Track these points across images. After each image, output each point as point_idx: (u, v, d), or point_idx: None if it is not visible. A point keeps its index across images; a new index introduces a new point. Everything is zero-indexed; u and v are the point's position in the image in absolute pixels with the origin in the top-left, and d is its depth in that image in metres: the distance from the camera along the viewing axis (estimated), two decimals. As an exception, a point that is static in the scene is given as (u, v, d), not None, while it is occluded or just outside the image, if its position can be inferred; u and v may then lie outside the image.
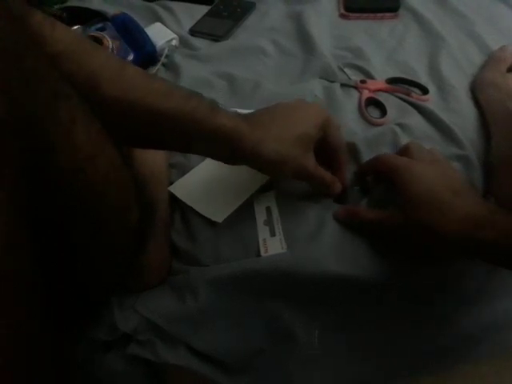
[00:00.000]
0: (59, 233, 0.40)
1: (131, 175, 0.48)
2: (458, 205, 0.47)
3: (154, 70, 0.82)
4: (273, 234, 0.55)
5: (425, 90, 0.72)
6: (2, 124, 0.30)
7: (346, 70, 0.77)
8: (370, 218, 0.53)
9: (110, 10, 0.91)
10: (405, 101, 0.71)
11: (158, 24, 0.89)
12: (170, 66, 0.83)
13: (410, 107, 0.70)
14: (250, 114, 0.55)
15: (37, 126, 0.34)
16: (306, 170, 0.53)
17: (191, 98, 0.50)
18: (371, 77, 0.75)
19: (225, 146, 0.51)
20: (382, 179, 0.57)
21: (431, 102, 0.70)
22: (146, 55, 0.83)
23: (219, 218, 0.57)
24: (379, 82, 0.74)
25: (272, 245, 0.54)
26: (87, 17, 0.88)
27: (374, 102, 0.71)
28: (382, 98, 0.71)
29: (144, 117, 0.48)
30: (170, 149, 0.59)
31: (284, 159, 0.52)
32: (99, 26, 0.84)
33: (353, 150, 0.62)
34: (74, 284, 0.45)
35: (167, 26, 0.90)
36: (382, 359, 0.53)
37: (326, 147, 0.56)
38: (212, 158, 0.56)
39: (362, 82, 0.73)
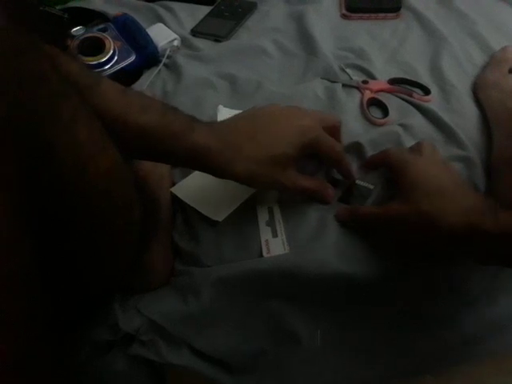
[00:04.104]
0: (61, 232, 0.40)
1: (132, 172, 0.49)
2: (462, 196, 0.48)
3: (155, 70, 0.82)
4: (275, 234, 0.55)
5: (426, 91, 0.72)
6: (2, 124, 0.30)
7: (347, 70, 0.77)
8: (370, 212, 0.53)
9: (112, 10, 0.91)
10: (407, 101, 0.71)
11: (160, 24, 0.89)
12: (172, 67, 0.83)
13: (411, 108, 0.70)
14: (227, 124, 0.54)
15: (37, 126, 0.34)
16: (281, 186, 0.54)
17: (167, 112, 0.51)
18: (373, 77, 0.75)
19: (195, 162, 0.52)
20: (386, 173, 0.57)
21: (433, 102, 0.70)
22: (148, 56, 0.83)
23: (219, 217, 0.57)
24: (381, 83, 0.74)
25: (274, 246, 0.55)
26: (89, 17, 0.88)
27: (375, 103, 0.71)
28: (384, 98, 0.71)
29: (120, 130, 0.48)
30: (151, 160, 0.59)
31: (254, 178, 0.52)
32: (101, 26, 0.84)
33: (356, 149, 0.63)
34: (76, 284, 0.45)
35: (169, 27, 0.89)
36: (385, 359, 0.53)
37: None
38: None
39: (364, 82, 0.73)
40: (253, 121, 0.54)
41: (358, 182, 0.59)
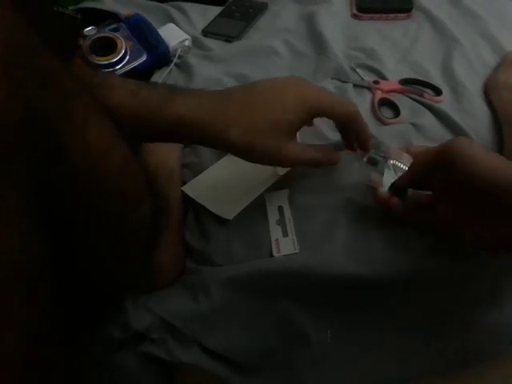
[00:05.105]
0: (73, 230, 0.40)
1: (142, 168, 0.49)
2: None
3: (166, 70, 0.83)
4: (285, 234, 0.56)
5: (438, 91, 0.71)
6: (15, 125, 0.30)
7: (358, 70, 0.77)
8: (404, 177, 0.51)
9: (124, 11, 0.91)
10: (418, 101, 0.71)
11: (171, 25, 0.90)
12: (183, 67, 0.83)
13: (423, 108, 0.70)
14: (221, 93, 0.51)
15: (50, 126, 0.35)
16: (283, 159, 0.51)
17: (140, 89, 0.49)
18: (384, 77, 0.75)
19: (185, 134, 0.50)
20: None
21: (444, 102, 0.70)
22: (159, 56, 0.83)
23: (229, 215, 0.58)
24: (392, 83, 0.74)
25: (284, 245, 0.55)
26: (101, 18, 0.89)
27: (387, 103, 0.71)
28: (395, 98, 0.71)
29: None
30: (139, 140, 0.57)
31: (253, 149, 0.49)
32: (113, 26, 0.85)
33: None
34: (87, 282, 0.45)
35: (180, 27, 0.90)
36: (395, 360, 0.53)
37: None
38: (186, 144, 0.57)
39: (375, 82, 0.73)
40: (249, 89, 0.51)
41: (393, 162, 0.56)
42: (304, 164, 0.54)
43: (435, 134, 0.64)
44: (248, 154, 0.51)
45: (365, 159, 0.57)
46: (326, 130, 0.65)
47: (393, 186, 0.53)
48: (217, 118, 0.48)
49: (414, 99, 0.72)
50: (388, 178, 0.54)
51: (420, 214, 0.51)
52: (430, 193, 0.51)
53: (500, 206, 0.42)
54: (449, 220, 0.48)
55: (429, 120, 0.67)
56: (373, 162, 0.56)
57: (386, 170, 0.55)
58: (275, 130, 0.49)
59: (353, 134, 0.56)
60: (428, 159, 0.48)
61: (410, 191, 0.53)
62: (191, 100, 0.49)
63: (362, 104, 0.71)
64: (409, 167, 0.52)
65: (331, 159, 0.55)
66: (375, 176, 0.55)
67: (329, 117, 0.53)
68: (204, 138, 0.50)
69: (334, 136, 0.63)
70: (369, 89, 0.73)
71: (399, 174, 0.54)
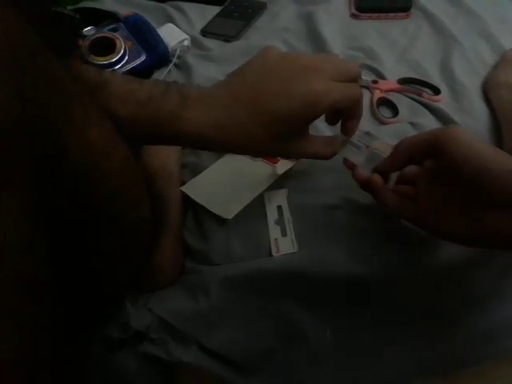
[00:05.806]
0: (74, 230, 0.40)
1: (142, 169, 0.49)
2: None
3: (166, 70, 0.83)
4: (284, 233, 0.56)
5: (436, 90, 0.71)
6: (14, 125, 0.30)
7: (357, 70, 0.77)
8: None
9: (123, 10, 0.92)
10: (417, 101, 0.71)
11: (170, 25, 0.90)
12: (182, 67, 0.83)
13: (421, 107, 0.70)
14: (233, 99, 0.48)
15: (49, 126, 0.34)
16: (288, 157, 0.56)
17: (150, 100, 0.47)
18: (383, 77, 0.75)
19: (191, 145, 0.55)
20: None
21: (443, 102, 0.70)
22: (158, 56, 0.84)
23: (229, 215, 0.58)
24: (391, 82, 0.74)
25: (283, 245, 0.55)
26: (100, 18, 0.89)
27: (385, 102, 0.71)
28: (394, 98, 0.71)
29: None
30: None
31: (259, 154, 0.55)
32: (112, 26, 0.85)
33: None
34: (88, 283, 0.45)
35: (179, 27, 0.90)
36: (395, 360, 0.53)
37: None
38: None
39: (374, 82, 0.73)
40: (257, 94, 0.49)
41: (374, 150, 0.54)
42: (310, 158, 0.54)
43: (434, 134, 0.64)
44: (254, 156, 0.55)
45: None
46: (324, 129, 0.66)
47: (375, 170, 0.51)
48: (221, 134, 0.48)
49: (412, 98, 0.72)
50: (366, 164, 0.53)
51: (402, 205, 0.49)
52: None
53: (485, 195, 0.41)
54: (430, 212, 0.47)
55: (428, 119, 0.67)
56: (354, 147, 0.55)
57: (365, 156, 0.54)
58: (281, 139, 0.49)
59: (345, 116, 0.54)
60: (417, 144, 0.47)
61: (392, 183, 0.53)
62: (200, 114, 0.48)
63: (361, 103, 0.71)
64: (392, 152, 0.50)
65: (334, 151, 0.53)
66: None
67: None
68: (210, 148, 0.52)
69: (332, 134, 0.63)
70: (367, 88, 0.73)
71: (378, 161, 0.52)
